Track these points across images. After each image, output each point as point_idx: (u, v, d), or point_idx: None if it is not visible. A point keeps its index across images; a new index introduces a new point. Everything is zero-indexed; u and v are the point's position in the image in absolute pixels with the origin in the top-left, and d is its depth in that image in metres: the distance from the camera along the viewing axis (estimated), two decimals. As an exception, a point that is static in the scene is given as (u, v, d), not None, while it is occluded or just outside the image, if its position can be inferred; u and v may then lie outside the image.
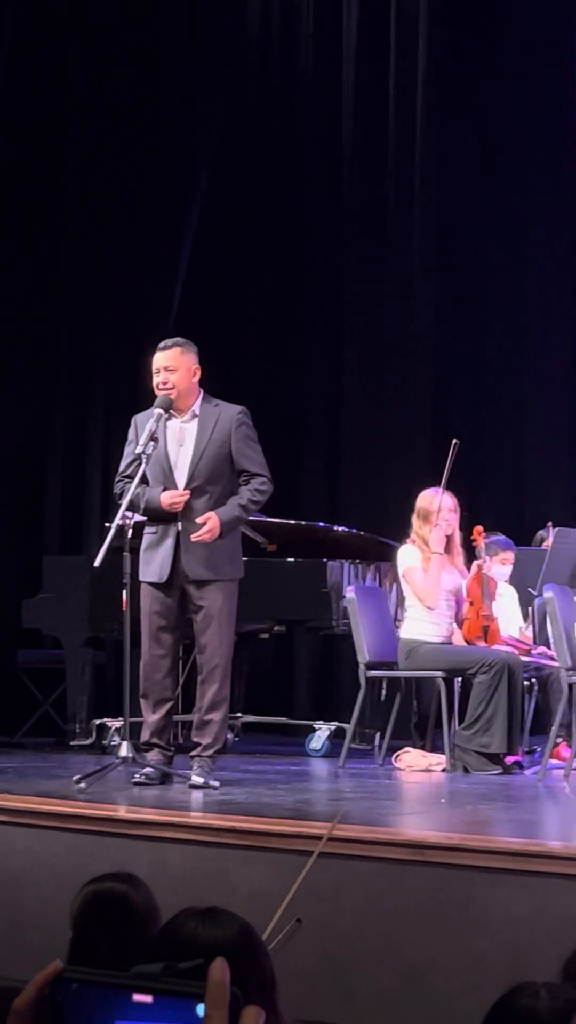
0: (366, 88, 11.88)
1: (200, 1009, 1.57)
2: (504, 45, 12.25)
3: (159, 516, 7.30)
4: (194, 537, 7.21)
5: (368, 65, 11.88)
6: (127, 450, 7.46)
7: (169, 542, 7.30)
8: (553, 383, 12.08)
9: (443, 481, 8.77)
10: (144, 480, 7.24)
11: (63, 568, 9.85)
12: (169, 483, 7.33)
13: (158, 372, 7.35)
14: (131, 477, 7.27)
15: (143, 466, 7.19)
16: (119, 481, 7.43)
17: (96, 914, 3.67)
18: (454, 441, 8.86)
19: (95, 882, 3.80)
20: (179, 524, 7.29)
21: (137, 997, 1.59)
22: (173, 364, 7.35)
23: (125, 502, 7.18)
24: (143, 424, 7.38)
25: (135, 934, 3.56)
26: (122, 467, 7.44)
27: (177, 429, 7.39)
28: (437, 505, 8.69)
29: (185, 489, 7.30)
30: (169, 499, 7.25)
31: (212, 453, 7.35)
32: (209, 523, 7.21)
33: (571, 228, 12.15)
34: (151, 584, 7.33)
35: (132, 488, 7.17)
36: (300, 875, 5.21)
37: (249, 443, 7.44)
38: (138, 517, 7.35)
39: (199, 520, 7.22)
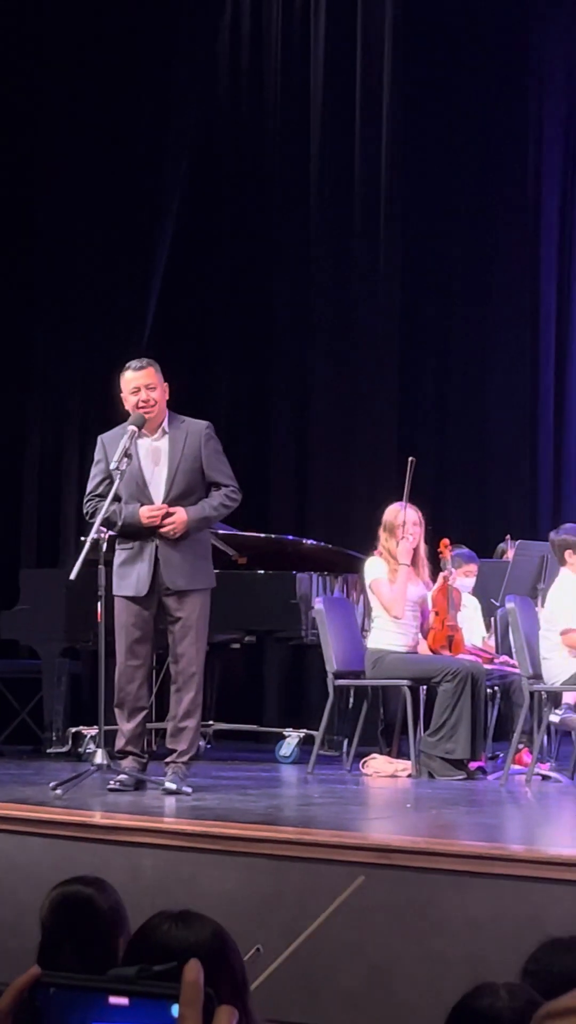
0: (333, 116, 11.89)
1: (175, 1010, 1.58)
2: (466, 77, 12.32)
3: (136, 532, 7.31)
4: (163, 530, 7.21)
5: (335, 93, 11.88)
6: (95, 470, 7.46)
7: (147, 557, 7.30)
8: (513, 405, 12.16)
9: (405, 496, 8.79)
10: (117, 497, 7.25)
11: (39, 581, 9.84)
12: (144, 499, 7.34)
13: (138, 391, 7.33)
14: (102, 496, 7.30)
15: (117, 483, 7.20)
16: (89, 500, 7.43)
17: (61, 916, 3.66)
18: (411, 459, 8.91)
19: (62, 885, 3.80)
20: (156, 539, 7.30)
21: (113, 1000, 1.60)
22: (152, 381, 7.36)
23: (100, 517, 7.18)
24: (111, 443, 7.39)
25: (100, 936, 3.55)
26: (91, 486, 7.45)
27: (150, 447, 7.40)
28: (402, 519, 8.71)
29: (163, 500, 7.31)
30: (148, 514, 7.26)
31: (185, 468, 7.37)
32: (176, 515, 7.22)
33: (530, 255, 12.23)
34: (127, 598, 7.34)
35: (107, 505, 7.18)
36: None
37: (218, 456, 7.48)
38: (111, 532, 7.35)
39: (170, 510, 7.22)
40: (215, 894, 5.59)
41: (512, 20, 12.24)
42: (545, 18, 12.37)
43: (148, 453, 7.39)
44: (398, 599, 8.66)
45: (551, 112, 12.38)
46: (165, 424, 7.41)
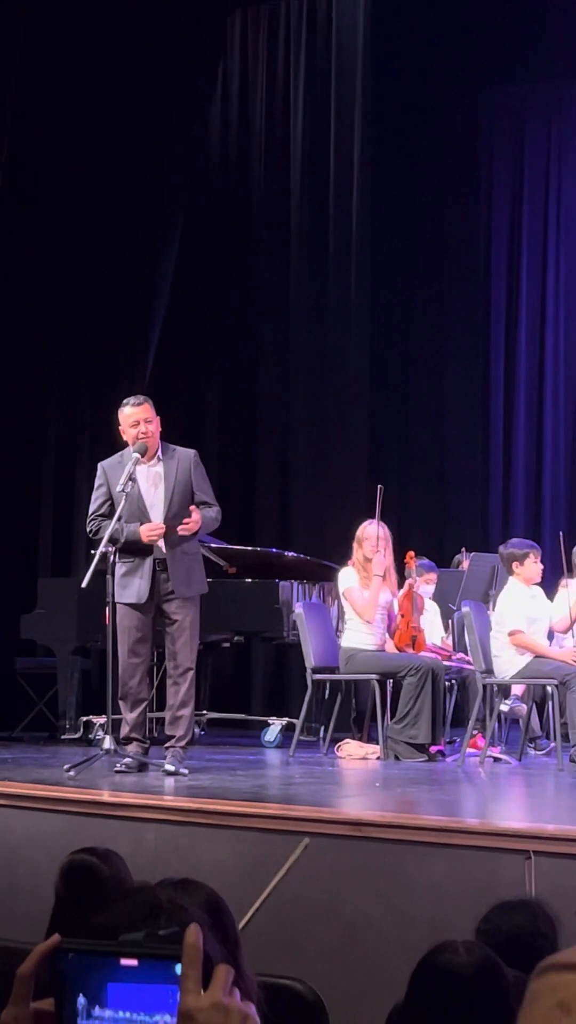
0: (311, 185, 11.91)
1: (178, 968, 1.59)
2: (426, 156, 12.42)
3: (136, 548, 7.32)
4: (180, 529, 7.22)
5: (312, 177, 11.90)
6: (96, 493, 7.47)
7: (147, 568, 7.32)
8: (467, 435, 12.23)
9: (376, 516, 8.81)
10: (119, 517, 7.26)
11: (55, 588, 9.83)
12: (143, 518, 7.35)
13: (137, 424, 7.36)
14: (104, 516, 7.33)
15: (122, 503, 7.22)
16: (92, 520, 7.44)
17: (69, 882, 3.65)
18: (379, 487, 8.94)
19: (71, 855, 3.79)
20: (155, 552, 7.31)
21: (124, 962, 1.60)
22: (149, 416, 7.41)
23: (107, 534, 7.20)
24: (111, 469, 7.42)
25: (103, 901, 3.53)
26: (93, 508, 7.46)
27: (148, 472, 7.42)
28: (370, 534, 8.73)
29: (161, 520, 7.32)
30: (148, 531, 7.28)
31: (180, 491, 7.41)
32: (195, 515, 7.24)
33: (482, 308, 12.29)
34: (129, 604, 7.35)
35: (113, 523, 7.20)
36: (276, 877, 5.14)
37: (205, 479, 7.53)
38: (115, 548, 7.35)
39: (187, 518, 7.23)
40: (209, 863, 5.58)
41: (464, 109, 12.32)
42: (493, 108, 12.45)
43: (147, 478, 7.42)
44: (370, 606, 8.66)
45: (499, 189, 12.44)
46: (159, 452, 7.44)
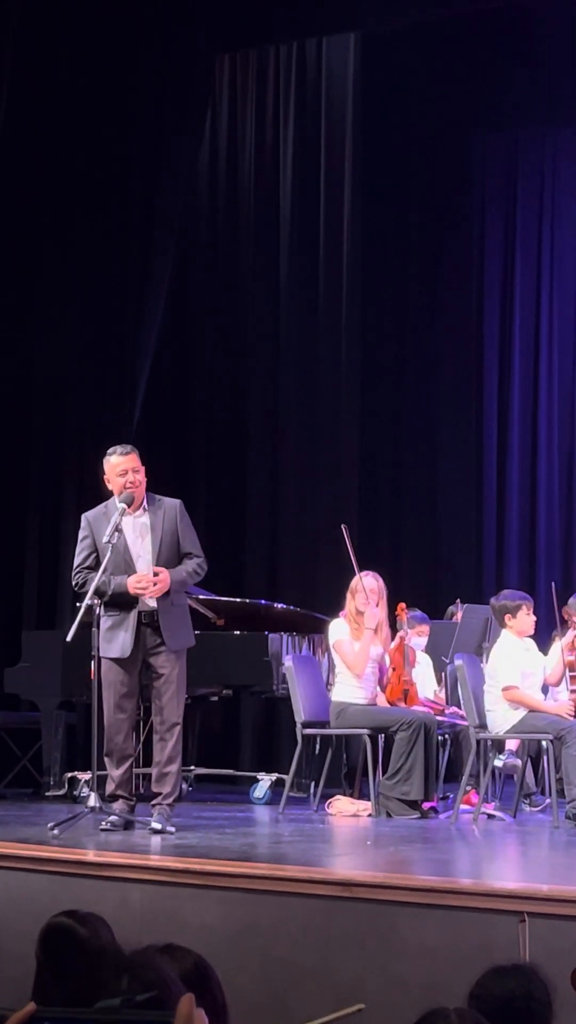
0: (300, 230, 11.97)
1: None
2: (417, 204, 12.50)
3: (121, 601, 7.32)
4: (148, 593, 7.22)
5: (301, 213, 11.97)
6: (81, 545, 7.46)
7: (132, 622, 7.32)
8: (459, 487, 12.25)
9: (353, 561, 8.80)
10: (105, 569, 7.26)
11: (39, 641, 9.80)
12: (130, 571, 7.35)
13: (125, 473, 7.37)
14: (91, 568, 7.33)
15: (108, 555, 7.22)
16: (78, 572, 7.43)
17: (46, 946, 3.61)
18: (343, 526, 8.95)
19: (52, 918, 3.75)
20: (139, 605, 7.30)
21: None
22: (136, 465, 7.42)
23: (92, 587, 7.19)
24: (95, 520, 7.42)
25: (83, 967, 3.50)
26: (79, 560, 7.45)
27: (134, 523, 7.42)
28: (367, 586, 8.73)
29: (151, 573, 7.32)
30: (135, 583, 7.28)
31: (167, 542, 7.42)
32: (161, 576, 7.24)
33: (475, 355, 12.35)
34: (114, 659, 7.34)
35: (98, 575, 7.20)
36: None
37: (190, 529, 7.54)
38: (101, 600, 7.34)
39: (154, 572, 7.23)
40: (196, 924, 5.56)
41: (456, 153, 12.41)
42: (485, 139, 12.54)
43: (133, 528, 7.42)
44: (360, 660, 8.65)
45: (492, 234, 12.52)
46: (145, 502, 7.46)
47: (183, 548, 7.44)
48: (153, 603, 7.33)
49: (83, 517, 7.56)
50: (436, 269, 12.44)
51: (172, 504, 7.51)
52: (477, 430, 12.35)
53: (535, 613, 8.62)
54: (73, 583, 7.53)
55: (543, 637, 9.15)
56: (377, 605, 8.75)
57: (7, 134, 10.29)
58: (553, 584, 9.19)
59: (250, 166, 12.18)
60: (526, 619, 8.43)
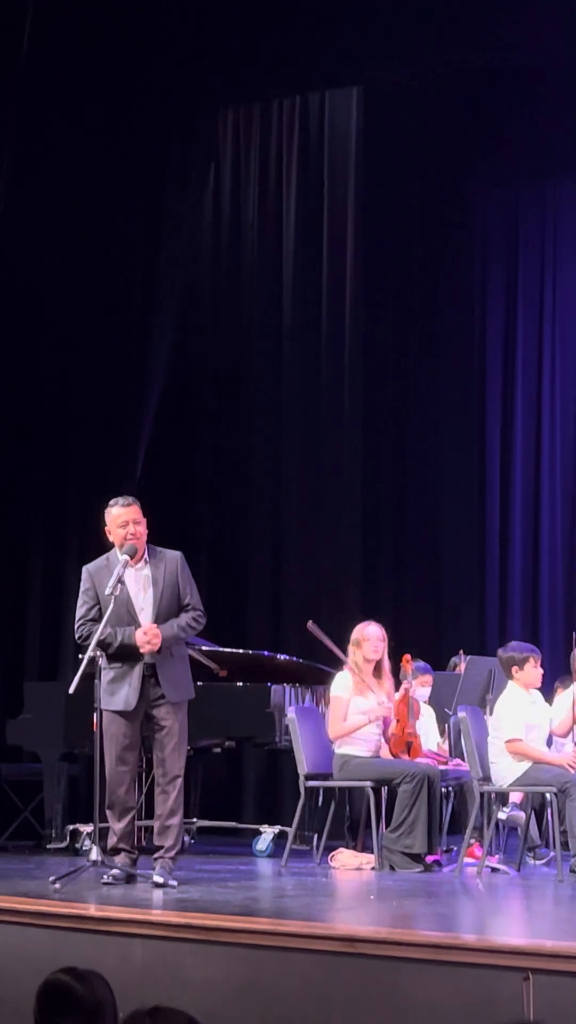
0: (303, 284, 12.02)
1: None
2: (420, 253, 12.54)
3: (126, 654, 7.30)
4: (145, 649, 7.21)
5: (304, 265, 12.02)
6: (83, 597, 7.44)
7: (136, 674, 7.30)
8: (462, 537, 12.22)
9: (335, 651, 8.86)
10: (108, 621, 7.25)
11: (42, 692, 9.78)
12: (133, 623, 7.33)
13: (127, 524, 7.37)
14: (93, 620, 7.32)
15: (111, 607, 7.21)
16: (82, 625, 7.41)
17: (42, 1004, 3.58)
18: (309, 622, 9.23)
19: (49, 975, 3.72)
20: (146, 657, 7.29)
21: None
22: (138, 517, 7.42)
23: (96, 638, 7.18)
24: (97, 572, 7.41)
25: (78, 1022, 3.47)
26: (81, 612, 7.43)
27: (136, 575, 7.41)
28: (372, 635, 8.73)
29: (151, 624, 7.30)
30: (142, 636, 7.26)
31: (168, 594, 7.42)
32: (152, 631, 7.22)
33: (477, 410, 12.37)
34: (116, 712, 7.32)
35: (102, 628, 7.19)
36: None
37: (191, 581, 7.52)
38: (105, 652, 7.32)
39: (146, 629, 7.22)
40: (198, 980, 5.52)
41: (457, 207, 12.46)
42: (486, 193, 12.60)
43: (136, 580, 7.41)
44: (339, 729, 8.61)
45: (494, 288, 12.55)
46: (146, 554, 7.45)
47: (183, 600, 7.44)
48: (150, 657, 7.31)
49: (84, 569, 7.55)
50: (438, 321, 12.46)
51: (173, 556, 7.50)
52: (480, 480, 12.34)
53: (540, 665, 8.59)
54: (76, 635, 7.51)
55: (547, 687, 9.12)
56: (382, 654, 8.74)
57: (13, 179, 10.36)
58: (574, 634, 9.13)
59: (253, 218, 12.24)
60: (533, 672, 8.39)
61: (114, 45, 10.88)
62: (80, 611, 7.44)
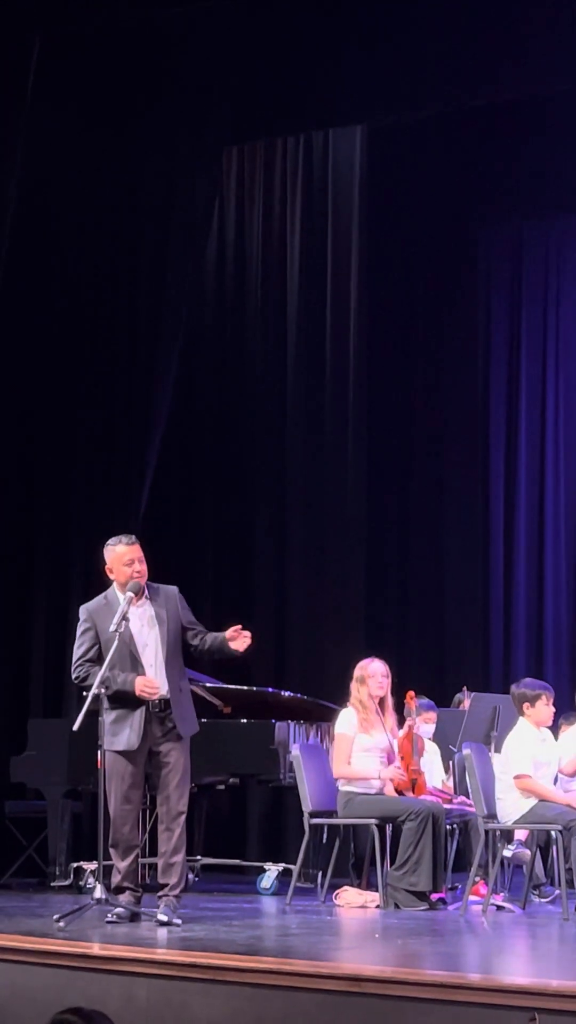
0: (307, 322, 12.05)
1: None
2: (424, 290, 12.58)
3: (128, 697, 7.30)
4: (238, 646, 7.31)
5: (308, 304, 12.06)
6: (83, 637, 7.44)
7: (138, 718, 7.30)
8: (466, 576, 12.23)
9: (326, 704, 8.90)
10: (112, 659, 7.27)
11: (46, 729, 9.76)
12: (135, 660, 7.33)
13: (132, 562, 7.39)
14: (92, 661, 7.33)
15: (116, 644, 7.21)
16: (81, 665, 7.41)
17: None
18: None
19: (55, 1015, 3.72)
20: (146, 701, 7.28)
21: None
22: (141, 555, 7.45)
23: (100, 677, 7.18)
24: (97, 611, 7.42)
25: None
26: (81, 652, 7.42)
27: (138, 612, 7.42)
28: (376, 671, 8.72)
29: (159, 661, 7.33)
30: (143, 686, 7.26)
31: (173, 628, 7.45)
32: (154, 684, 7.25)
33: (481, 447, 12.40)
34: (120, 752, 7.31)
35: (104, 668, 7.19)
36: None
37: (189, 610, 7.57)
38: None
39: (236, 632, 7.31)
40: (203, 1020, 5.50)
41: (461, 244, 12.51)
42: (489, 230, 12.65)
43: (138, 618, 7.42)
44: (344, 769, 8.60)
45: (497, 325, 12.60)
46: (146, 592, 7.46)
47: (187, 625, 7.47)
48: (165, 691, 7.32)
49: (82, 609, 7.54)
50: (442, 358, 12.50)
51: (172, 592, 7.53)
52: (484, 516, 12.36)
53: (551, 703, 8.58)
54: (73, 675, 7.49)
55: (552, 725, 9.11)
56: (386, 691, 8.74)
57: (19, 213, 10.42)
58: None
59: (257, 255, 12.29)
60: (545, 709, 8.37)
61: (121, 84, 10.94)
62: (80, 651, 7.44)
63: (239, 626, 7.38)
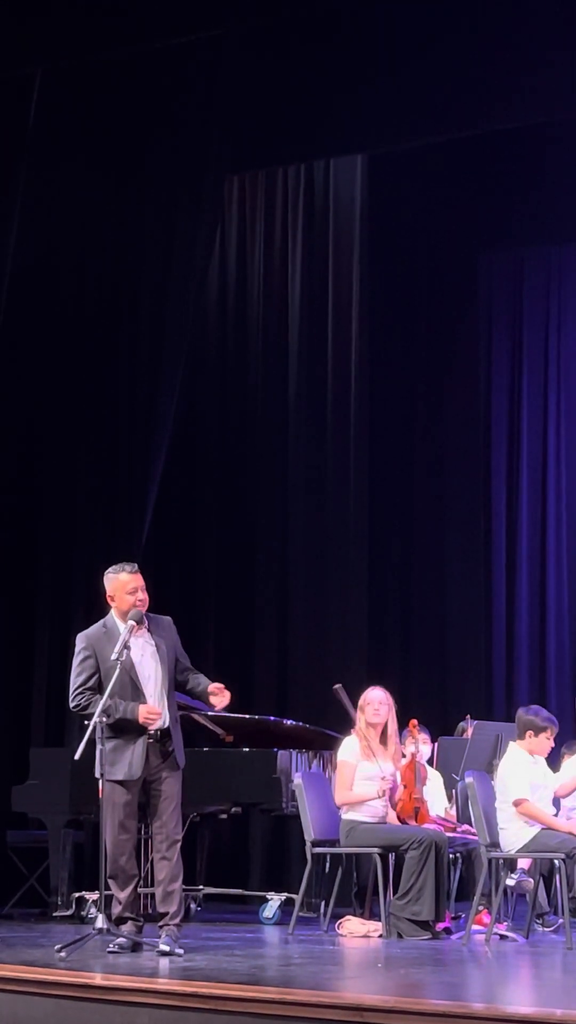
0: (308, 351, 12.09)
1: None
2: (425, 317, 12.62)
3: (129, 726, 7.30)
4: (216, 702, 7.31)
5: (310, 332, 12.10)
6: (82, 665, 7.42)
7: (140, 744, 7.30)
8: (468, 604, 12.24)
9: (352, 719, 8.81)
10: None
11: (47, 759, 9.76)
12: (136, 690, 7.33)
13: (135, 591, 7.40)
14: (92, 689, 7.34)
15: (117, 672, 7.22)
16: (80, 693, 7.40)
17: None
18: (337, 685, 9.08)
19: None
20: (150, 730, 7.29)
21: None
22: (143, 583, 7.45)
23: (100, 706, 7.18)
24: (96, 640, 7.41)
25: None
26: (80, 680, 7.41)
27: (139, 641, 7.42)
28: (374, 699, 8.71)
29: (159, 692, 7.34)
30: (146, 714, 7.26)
31: (171, 658, 7.48)
32: (155, 711, 7.27)
33: (483, 475, 12.42)
34: (118, 782, 7.31)
35: (105, 698, 7.19)
36: None
37: (179, 642, 7.57)
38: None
39: (219, 689, 7.32)
40: (204, 1050, 5.48)
41: (462, 271, 12.54)
42: (491, 258, 12.70)
43: (139, 647, 7.42)
44: (346, 796, 8.58)
45: (499, 352, 12.64)
46: (146, 621, 7.47)
47: (182, 663, 7.49)
48: (166, 722, 7.33)
49: (80, 637, 7.54)
50: (444, 386, 12.53)
51: (168, 622, 7.57)
52: (486, 548, 12.37)
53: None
54: (72, 704, 7.47)
55: (553, 754, 9.10)
56: (386, 718, 8.73)
57: (20, 244, 10.46)
58: None
59: (259, 286, 12.33)
60: (546, 743, 8.35)
61: (121, 115, 11.01)
62: (78, 680, 7.43)
63: (222, 685, 7.37)
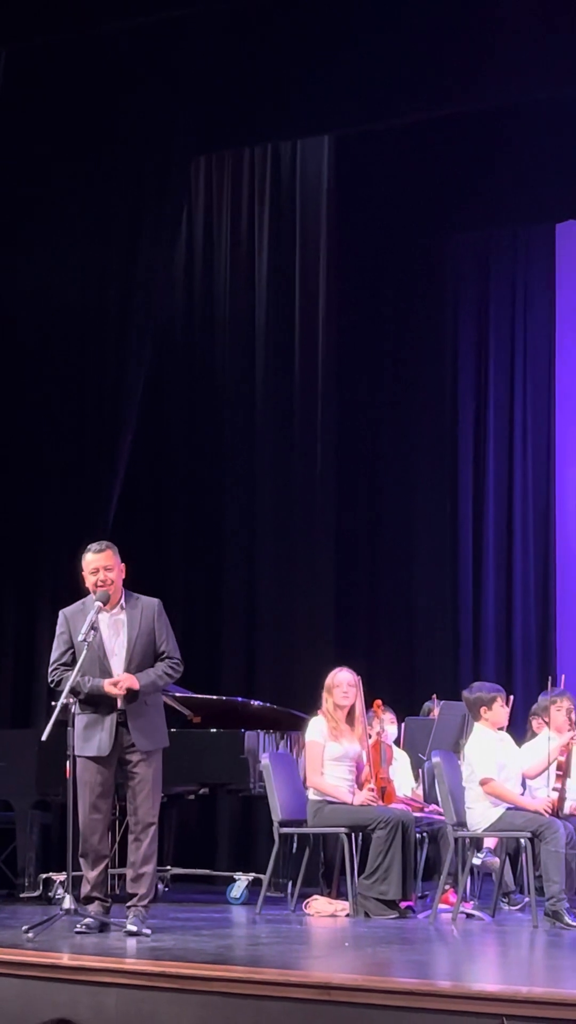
0: (275, 331, 12.08)
1: None
2: (392, 298, 12.65)
3: (98, 701, 7.29)
4: (113, 691, 7.20)
5: (276, 312, 12.09)
6: (58, 641, 7.44)
7: (109, 722, 7.29)
8: (436, 582, 12.28)
9: (361, 707, 8.83)
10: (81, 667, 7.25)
11: (14, 740, 9.72)
12: (104, 668, 7.33)
13: (96, 571, 7.38)
14: (67, 665, 7.33)
15: (84, 653, 7.21)
16: (55, 669, 7.42)
17: None
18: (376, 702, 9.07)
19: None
20: (119, 704, 7.28)
21: None
22: (110, 563, 7.40)
23: (69, 685, 7.18)
24: (73, 617, 7.41)
25: None
26: (56, 656, 7.43)
27: (110, 621, 7.41)
28: (343, 681, 8.72)
29: (122, 667, 7.31)
30: (111, 684, 7.26)
31: (143, 641, 7.41)
32: (124, 679, 7.22)
33: (449, 456, 12.46)
34: (90, 758, 7.31)
35: (73, 675, 7.19)
36: None
37: (168, 629, 7.51)
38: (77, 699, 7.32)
39: (114, 682, 7.23)
40: (172, 1029, 5.49)
41: (429, 253, 12.59)
42: (456, 238, 12.72)
43: (109, 626, 7.41)
44: (319, 780, 8.59)
45: (464, 334, 12.68)
46: (122, 600, 7.44)
47: (159, 647, 7.44)
48: (123, 703, 7.31)
49: (60, 613, 7.55)
50: (410, 366, 12.57)
51: (150, 603, 7.50)
52: (452, 528, 12.42)
53: (512, 707, 8.62)
54: (49, 679, 7.50)
55: (519, 728, 9.13)
56: (354, 699, 8.73)
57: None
58: (563, 677, 9.16)
59: (225, 264, 12.32)
60: (501, 711, 8.41)
61: (88, 95, 10.95)
62: (55, 655, 7.45)
63: (125, 677, 7.26)
